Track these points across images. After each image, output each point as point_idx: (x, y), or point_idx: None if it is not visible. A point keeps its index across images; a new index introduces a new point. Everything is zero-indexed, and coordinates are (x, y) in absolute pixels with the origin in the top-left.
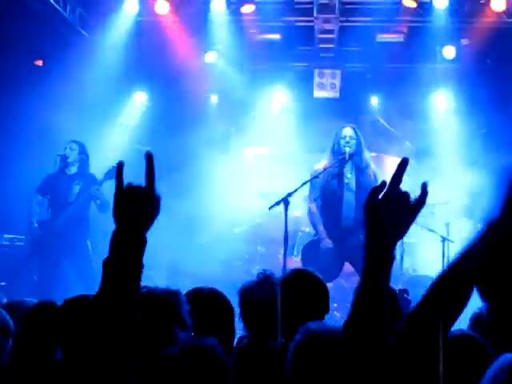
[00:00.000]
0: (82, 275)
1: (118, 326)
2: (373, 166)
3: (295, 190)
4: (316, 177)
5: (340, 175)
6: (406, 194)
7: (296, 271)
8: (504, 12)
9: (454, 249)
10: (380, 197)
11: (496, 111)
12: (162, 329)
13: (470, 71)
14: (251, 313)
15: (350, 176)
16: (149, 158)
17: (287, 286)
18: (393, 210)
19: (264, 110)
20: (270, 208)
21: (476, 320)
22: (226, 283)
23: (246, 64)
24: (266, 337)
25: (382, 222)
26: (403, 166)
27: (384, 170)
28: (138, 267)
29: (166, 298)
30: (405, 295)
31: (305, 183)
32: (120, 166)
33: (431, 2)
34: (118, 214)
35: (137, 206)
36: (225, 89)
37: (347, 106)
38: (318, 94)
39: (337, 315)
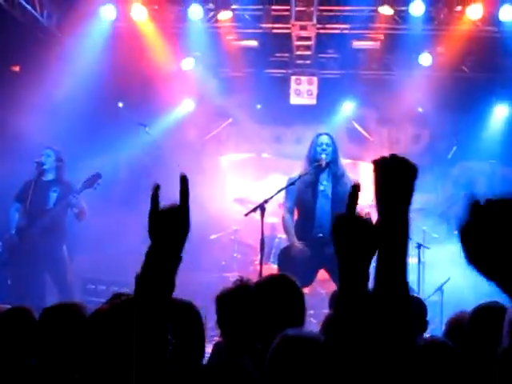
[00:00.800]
0: (58, 281)
1: (148, 341)
2: (349, 174)
3: (271, 197)
4: (292, 183)
5: (315, 183)
6: (363, 218)
7: (270, 277)
8: (479, 20)
9: (430, 254)
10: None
11: (470, 118)
12: None
13: (445, 78)
14: (228, 320)
15: (325, 183)
16: (183, 180)
17: (261, 291)
18: (356, 235)
19: (241, 117)
20: (246, 214)
21: (452, 325)
22: (203, 290)
23: (224, 71)
24: (243, 343)
25: (350, 248)
26: (356, 191)
27: (359, 177)
28: (171, 284)
29: None
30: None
31: (281, 190)
32: (156, 189)
33: (407, 9)
34: (153, 233)
35: (171, 225)
36: (202, 95)
37: (324, 113)
38: (295, 100)
39: (313, 321)
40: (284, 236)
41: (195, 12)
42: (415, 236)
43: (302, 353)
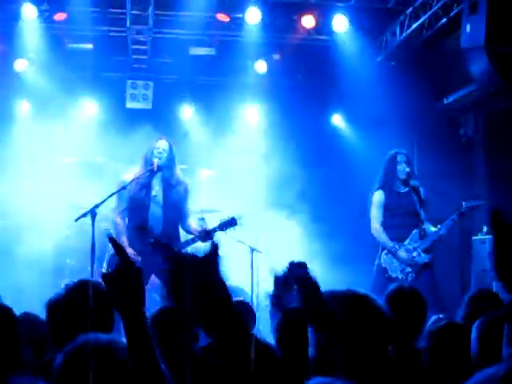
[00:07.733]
0: None
1: None
2: (186, 181)
3: (102, 202)
4: (124, 188)
5: (148, 187)
6: None
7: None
8: (313, 29)
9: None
10: None
11: (305, 125)
12: None
13: (280, 86)
14: (59, 326)
15: (157, 189)
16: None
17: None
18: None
19: (75, 120)
20: (76, 219)
21: None
22: (35, 295)
23: (59, 73)
24: None
25: None
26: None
27: (196, 182)
28: None
29: None
30: None
31: (112, 194)
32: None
33: (243, 17)
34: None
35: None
36: (37, 97)
37: (159, 118)
38: (131, 104)
39: None
40: None
41: (29, 12)
42: (248, 241)
43: None
